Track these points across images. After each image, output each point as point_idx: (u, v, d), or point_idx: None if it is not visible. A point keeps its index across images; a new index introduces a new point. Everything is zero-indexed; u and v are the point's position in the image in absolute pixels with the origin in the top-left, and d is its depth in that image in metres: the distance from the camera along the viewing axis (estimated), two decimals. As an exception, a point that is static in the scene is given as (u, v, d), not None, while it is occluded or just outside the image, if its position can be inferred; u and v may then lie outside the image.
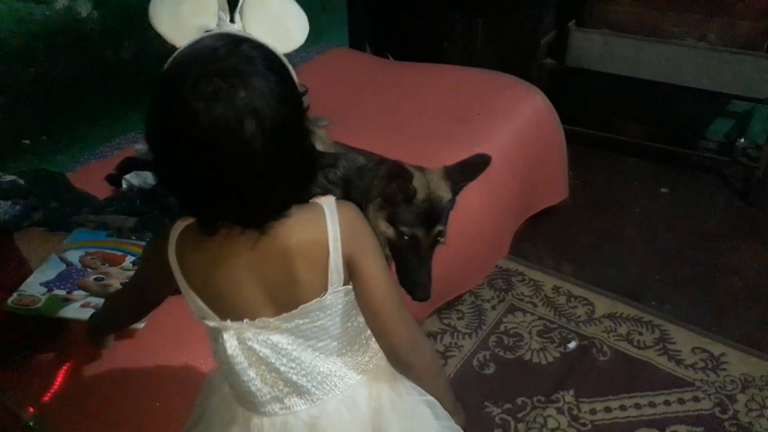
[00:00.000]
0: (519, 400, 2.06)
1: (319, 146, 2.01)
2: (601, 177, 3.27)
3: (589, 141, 3.27)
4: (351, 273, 0.96)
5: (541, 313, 2.41)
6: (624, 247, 2.78)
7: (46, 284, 1.48)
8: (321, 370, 1.01)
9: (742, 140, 3.17)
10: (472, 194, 1.78)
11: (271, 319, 0.95)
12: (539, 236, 2.79)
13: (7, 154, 2.05)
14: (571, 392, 2.07)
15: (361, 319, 1.02)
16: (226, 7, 0.86)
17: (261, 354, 0.97)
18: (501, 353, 2.23)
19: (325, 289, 0.95)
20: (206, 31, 0.84)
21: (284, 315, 0.95)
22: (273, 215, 0.89)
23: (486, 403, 2.05)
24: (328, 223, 0.93)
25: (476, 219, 2.25)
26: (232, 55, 0.81)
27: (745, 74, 2.74)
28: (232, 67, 0.80)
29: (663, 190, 3.16)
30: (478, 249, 2.31)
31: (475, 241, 2.26)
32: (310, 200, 0.97)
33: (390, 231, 1.42)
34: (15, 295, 1.42)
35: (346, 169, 1.65)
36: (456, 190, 1.46)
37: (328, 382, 1.03)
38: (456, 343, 2.26)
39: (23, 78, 2.03)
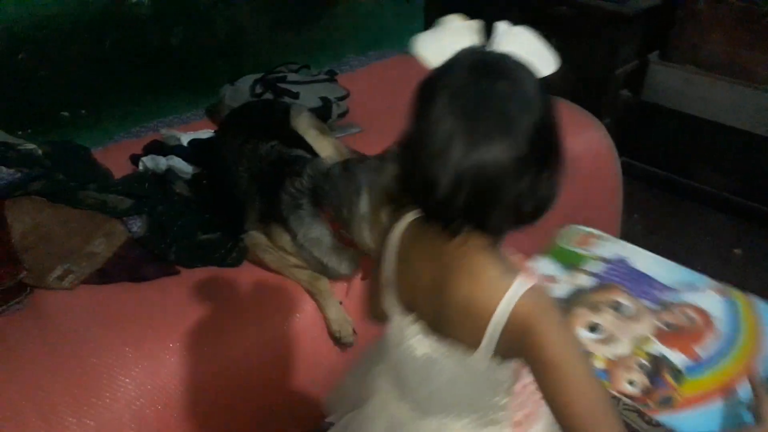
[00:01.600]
0: None
1: (330, 153, 1.99)
2: (667, 225, 2.96)
3: (661, 184, 2.97)
4: (526, 359, 0.85)
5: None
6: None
7: None
8: (437, 409, 0.99)
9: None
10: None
11: (429, 331, 0.94)
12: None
13: (44, 124, 2.19)
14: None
15: (497, 400, 0.95)
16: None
17: (409, 350, 0.96)
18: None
19: (476, 349, 0.87)
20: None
21: (437, 335, 0.93)
22: (488, 229, 0.83)
23: None
24: (507, 295, 0.83)
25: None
26: (499, 58, 0.80)
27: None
28: (500, 66, 0.79)
29: (736, 251, 2.80)
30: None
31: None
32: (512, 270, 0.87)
33: None
34: None
35: (312, 178, 1.62)
36: None
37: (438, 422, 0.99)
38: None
39: (67, 55, 2.15)
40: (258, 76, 2.44)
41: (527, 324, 0.82)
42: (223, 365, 1.51)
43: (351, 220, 1.55)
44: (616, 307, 1.15)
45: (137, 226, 1.81)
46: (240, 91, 2.38)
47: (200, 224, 1.84)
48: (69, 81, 2.20)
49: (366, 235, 1.52)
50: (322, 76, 2.60)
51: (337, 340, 1.69)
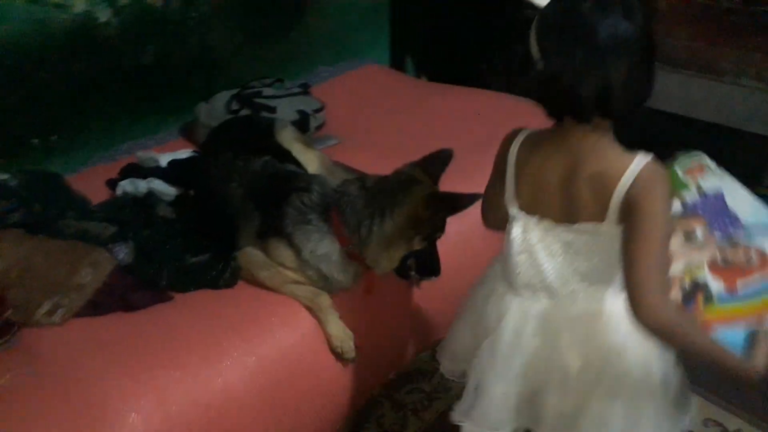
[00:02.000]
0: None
1: (317, 166, 1.97)
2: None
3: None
4: (627, 217, 1.07)
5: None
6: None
7: None
8: (573, 286, 1.19)
9: (806, 192, 2.86)
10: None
11: (555, 224, 1.16)
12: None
13: (14, 151, 2.11)
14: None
15: None
16: None
17: (534, 247, 1.19)
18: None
19: (603, 219, 1.09)
20: None
21: (565, 225, 1.15)
22: (611, 112, 1.06)
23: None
24: (631, 166, 1.05)
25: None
26: None
27: (808, 120, 2.47)
28: None
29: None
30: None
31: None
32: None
33: (423, 243, 1.57)
34: None
35: (323, 194, 1.63)
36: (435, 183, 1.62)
37: (574, 296, 1.20)
38: (444, 386, 2.13)
39: (36, 79, 2.08)
40: (233, 92, 2.40)
41: (644, 187, 1.03)
42: (228, 385, 1.47)
43: (369, 239, 1.56)
44: (689, 235, 1.23)
45: (123, 252, 1.75)
46: (215, 109, 2.34)
47: (188, 247, 1.79)
48: (38, 107, 2.13)
49: (382, 255, 1.57)
50: (296, 89, 2.58)
51: (338, 356, 1.66)
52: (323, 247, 1.61)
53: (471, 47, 3.22)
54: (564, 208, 1.14)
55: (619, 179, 1.05)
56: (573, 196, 1.12)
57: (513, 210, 1.21)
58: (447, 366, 1.48)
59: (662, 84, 2.68)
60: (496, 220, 1.30)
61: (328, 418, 1.77)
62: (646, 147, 1.07)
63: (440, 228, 1.59)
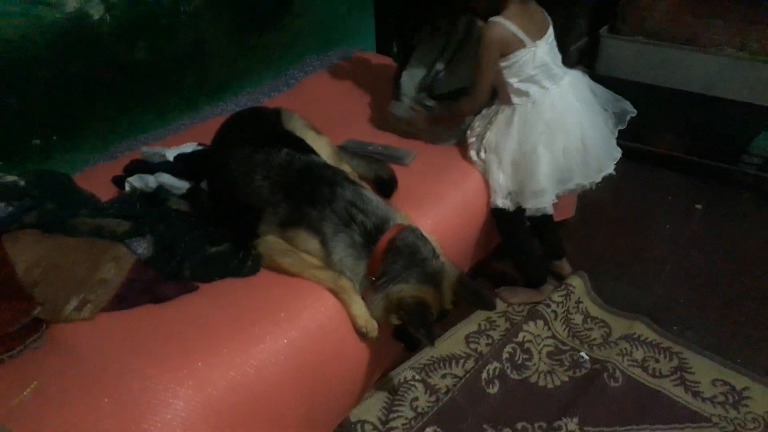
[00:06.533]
0: (519, 425, 1.96)
1: (329, 152, 1.99)
2: (632, 190, 3.12)
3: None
4: None
5: (556, 331, 2.30)
6: (650, 267, 2.63)
7: None
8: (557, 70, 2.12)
9: (788, 156, 2.97)
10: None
11: (545, 38, 2.06)
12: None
13: (16, 153, 2.08)
14: (576, 420, 1.96)
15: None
16: None
17: (544, 59, 2.05)
18: (509, 371, 2.13)
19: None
20: None
21: (544, 38, 2.05)
22: None
23: (484, 425, 1.96)
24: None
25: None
26: None
27: (789, 86, 2.57)
28: None
29: (697, 206, 2.99)
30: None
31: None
32: None
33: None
34: None
35: (375, 227, 1.69)
36: None
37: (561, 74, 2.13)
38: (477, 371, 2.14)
39: (34, 79, 2.05)
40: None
41: None
42: (261, 369, 1.49)
43: (377, 289, 1.63)
44: None
45: (142, 247, 1.75)
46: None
47: (207, 237, 1.80)
48: (37, 107, 2.10)
49: (373, 306, 1.66)
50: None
51: (363, 335, 1.70)
52: (352, 266, 1.68)
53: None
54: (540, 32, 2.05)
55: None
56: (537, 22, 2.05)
57: (530, 46, 2.00)
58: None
59: (648, 58, 2.78)
60: (489, 94, 2.13)
61: (354, 392, 1.83)
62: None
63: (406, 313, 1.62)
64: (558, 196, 2.16)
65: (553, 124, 2.08)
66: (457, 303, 1.70)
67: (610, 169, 2.20)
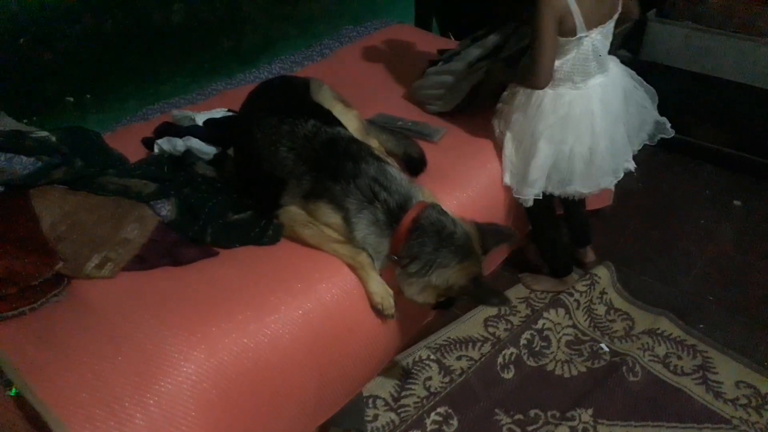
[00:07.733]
0: (532, 413, 1.94)
1: (357, 126, 1.96)
2: (668, 182, 3.02)
3: (660, 141, 3.02)
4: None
5: (577, 320, 2.26)
6: (680, 261, 2.56)
7: None
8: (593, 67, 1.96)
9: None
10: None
11: (601, 27, 1.89)
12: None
13: (50, 110, 2.11)
14: (590, 411, 1.93)
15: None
16: None
17: (587, 53, 1.91)
18: (525, 357, 2.11)
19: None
20: None
21: (601, 27, 1.89)
22: None
23: (497, 410, 1.95)
24: None
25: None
26: None
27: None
28: None
29: (736, 202, 2.89)
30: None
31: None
32: None
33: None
34: None
35: (399, 205, 1.65)
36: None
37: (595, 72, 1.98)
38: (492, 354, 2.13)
39: (70, 36, 2.07)
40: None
41: None
42: (275, 338, 1.50)
43: (412, 276, 1.60)
44: None
45: (166, 209, 1.77)
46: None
47: (230, 204, 1.81)
48: (72, 65, 2.12)
49: (412, 291, 1.62)
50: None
51: (379, 312, 1.69)
52: (375, 244, 1.66)
53: (497, 4, 3.16)
54: (600, 17, 1.87)
55: None
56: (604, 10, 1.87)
57: (581, 33, 1.84)
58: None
59: (697, 45, 2.66)
60: (552, 70, 1.87)
61: (368, 369, 1.82)
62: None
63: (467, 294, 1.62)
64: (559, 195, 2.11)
65: (565, 122, 1.98)
66: (486, 251, 1.69)
67: (609, 185, 2.12)
